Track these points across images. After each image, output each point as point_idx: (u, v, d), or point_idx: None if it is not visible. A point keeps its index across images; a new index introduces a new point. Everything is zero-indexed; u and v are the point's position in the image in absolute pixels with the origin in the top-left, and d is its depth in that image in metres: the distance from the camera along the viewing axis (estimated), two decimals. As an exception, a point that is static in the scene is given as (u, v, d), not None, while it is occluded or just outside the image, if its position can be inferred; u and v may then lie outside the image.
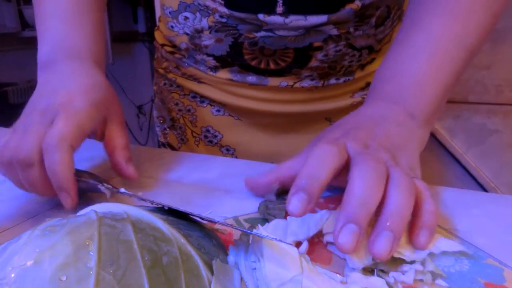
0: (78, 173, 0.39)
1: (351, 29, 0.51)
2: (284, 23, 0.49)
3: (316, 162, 0.32)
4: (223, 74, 0.58)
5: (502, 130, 1.14)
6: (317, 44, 0.52)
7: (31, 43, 2.56)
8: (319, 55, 0.53)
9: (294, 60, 0.53)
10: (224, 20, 0.51)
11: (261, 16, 0.49)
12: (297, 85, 0.56)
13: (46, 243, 0.21)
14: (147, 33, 2.41)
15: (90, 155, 0.52)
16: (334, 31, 0.50)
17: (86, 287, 0.19)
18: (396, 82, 0.41)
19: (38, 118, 0.39)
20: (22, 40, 2.33)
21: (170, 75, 0.66)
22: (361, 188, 0.29)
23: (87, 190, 0.40)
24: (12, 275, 0.20)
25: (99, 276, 0.19)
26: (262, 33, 0.51)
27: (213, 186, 0.45)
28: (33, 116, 0.39)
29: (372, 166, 0.30)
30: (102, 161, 0.52)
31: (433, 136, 1.20)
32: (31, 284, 0.20)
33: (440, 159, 1.22)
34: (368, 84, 0.60)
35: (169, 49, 0.63)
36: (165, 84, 0.67)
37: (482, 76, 1.09)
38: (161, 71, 0.68)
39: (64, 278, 0.19)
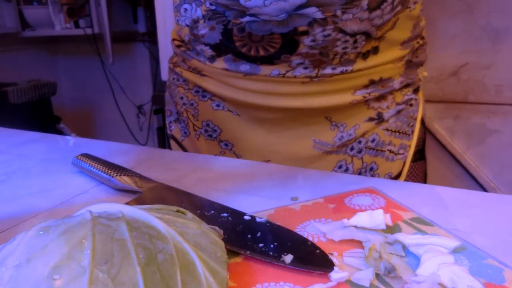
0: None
1: (338, 12, 0.49)
2: (264, 5, 0.49)
3: None
4: (219, 63, 0.59)
5: (502, 130, 1.14)
6: (302, 28, 0.51)
7: (31, 43, 2.56)
8: (307, 40, 0.52)
9: (282, 45, 0.53)
10: (213, 7, 0.53)
11: (242, 0, 0.49)
12: (289, 73, 0.55)
13: (40, 243, 0.21)
14: (147, 33, 2.41)
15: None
16: (319, 14, 0.49)
17: (80, 285, 0.19)
18: None
19: None
20: (22, 40, 2.33)
21: (178, 69, 0.68)
22: None
23: None
24: (6, 276, 0.20)
25: (93, 274, 0.19)
26: (247, 18, 0.51)
27: (213, 186, 0.45)
28: None
29: None
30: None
31: (433, 136, 1.20)
32: (25, 284, 0.20)
33: (440, 159, 1.22)
34: (372, 82, 0.58)
35: (177, 43, 0.66)
36: (173, 78, 0.70)
37: (482, 76, 1.09)
38: (171, 65, 0.71)
39: (57, 277, 0.19)
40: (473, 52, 1.08)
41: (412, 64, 0.62)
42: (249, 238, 0.32)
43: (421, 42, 0.63)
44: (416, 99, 0.64)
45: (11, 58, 2.30)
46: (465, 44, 1.08)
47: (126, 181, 0.43)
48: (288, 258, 0.30)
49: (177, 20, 0.61)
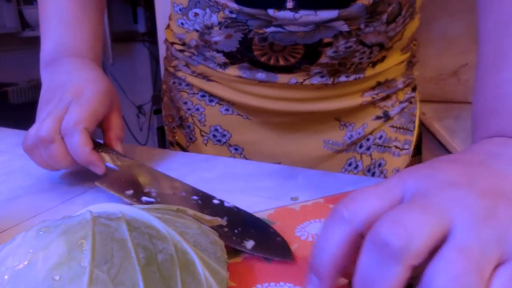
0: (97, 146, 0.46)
1: (362, 26, 0.51)
2: (294, 18, 0.48)
3: (405, 233, 0.20)
4: (232, 71, 0.58)
5: (502, 130, 1.14)
6: (327, 40, 0.51)
7: (31, 43, 2.56)
8: (329, 52, 0.52)
9: (304, 56, 0.53)
10: (234, 15, 0.52)
11: (270, 11, 0.49)
12: (306, 82, 0.56)
13: (40, 243, 0.21)
14: (147, 33, 2.41)
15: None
16: (345, 27, 0.50)
17: (79, 285, 0.19)
18: (504, 110, 0.30)
19: (54, 108, 0.45)
20: (22, 40, 2.33)
21: (180, 74, 0.66)
22: None
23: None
24: (6, 276, 0.20)
25: (92, 274, 0.19)
26: (272, 29, 0.51)
27: (213, 186, 0.45)
28: (49, 107, 0.46)
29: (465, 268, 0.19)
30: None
31: (433, 136, 1.20)
32: (24, 285, 0.20)
33: (440, 159, 1.22)
34: (379, 84, 0.60)
35: (179, 47, 0.64)
36: (174, 82, 0.68)
37: (482, 76, 1.09)
38: (170, 69, 0.68)
39: (57, 278, 0.19)
40: (473, 52, 1.08)
41: (411, 64, 0.64)
42: None
43: (416, 43, 0.66)
44: (414, 97, 0.66)
45: (11, 58, 2.30)
46: (465, 44, 1.08)
47: (103, 158, 0.44)
48: (250, 243, 0.31)
49: (181, 23, 0.59)
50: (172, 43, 0.65)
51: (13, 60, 2.32)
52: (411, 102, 0.65)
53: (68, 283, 0.19)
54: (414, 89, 0.66)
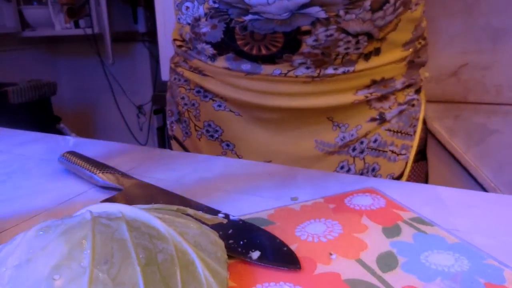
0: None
1: (341, 12, 0.50)
2: (268, 3, 0.49)
3: None
4: (220, 62, 0.59)
5: (502, 130, 1.14)
6: (305, 28, 0.51)
7: (31, 43, 2.56)
8: (309, 40, 0.52)
9: (285, 45, 0.53)
10: (216, 5, 0.53)
11: None
12: (291, 73, 0.55)
13: (40, 243, 0.21)
14: (147, 33, 2.41)
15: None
16: (322, 14, 0.49)
17: (80, 285, 0.19)
18: None
19: None
20: (22, 40, 2.33)
21: (179, 69, 0.68)
22: None
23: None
24: (6, 276, 0.20)
25: (93, 274, 0.19)
26: (250, 17, 0.52)
27: (213, 186, 0.45)
28: None
29: None
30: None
31: (433, 136, 1.20)
32: (25, 284, 0.20)
33: (440, 159, 1.22)
34: (373, 82, 0.57)
35: (178, 43, 0.66)
36: (174, 78, 0.70)
37: (482, 76, 1.09)
38: (172, 65, 0.71)
39: (57, 278, 0.19)
40: (473, 52, 1.08)
41: (414, 64, 0.62)
42: (221, 234, 0.32)
43: (423, 42, 0.63)
44: (418, 100, 0.64)
45: (11, 58, 2.30)
46: (465, 44, 1.08)
47: (108, 178, 0.44)
48: (255, 254, 0.31)
49: (178, 19, 0.61)
50: (174, 40, 0.68)
51: (13, 60, 2.32)
52: (413, 105, 0.63)
53: (69, 283, 0.19)
54: (418, 91, 0.63)
